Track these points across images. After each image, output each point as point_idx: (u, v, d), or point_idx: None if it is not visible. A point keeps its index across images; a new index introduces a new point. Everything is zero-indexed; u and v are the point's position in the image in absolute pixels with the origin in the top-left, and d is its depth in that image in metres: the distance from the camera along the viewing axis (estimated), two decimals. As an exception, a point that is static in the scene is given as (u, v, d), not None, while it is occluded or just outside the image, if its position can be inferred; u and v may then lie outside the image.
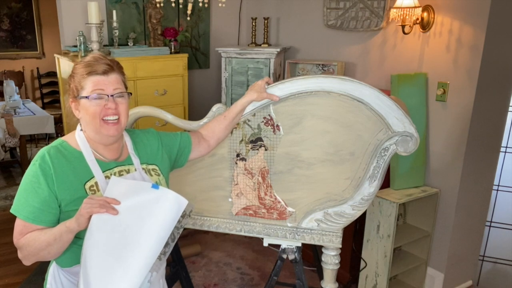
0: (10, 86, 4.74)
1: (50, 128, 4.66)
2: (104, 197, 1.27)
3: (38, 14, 6.37)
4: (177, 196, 1.29)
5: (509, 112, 2.85)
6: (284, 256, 2.02)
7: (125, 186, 1.31)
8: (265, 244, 2.03)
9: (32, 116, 4.61)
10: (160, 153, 1.58)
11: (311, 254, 2.46)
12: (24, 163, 4.68)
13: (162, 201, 1.28)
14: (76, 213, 1.26)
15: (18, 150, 4.84)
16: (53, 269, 1.46)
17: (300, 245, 2.00)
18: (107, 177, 1.39)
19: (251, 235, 2.01)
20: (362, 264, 2.74)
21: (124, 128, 1.46)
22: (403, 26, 2.66)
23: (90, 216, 1.24)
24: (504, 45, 2.55)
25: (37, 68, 6.45)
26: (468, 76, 2.52)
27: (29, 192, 1.33)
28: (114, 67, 1.39)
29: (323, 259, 2.03)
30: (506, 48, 2.57)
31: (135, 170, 1.47)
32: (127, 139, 1.52)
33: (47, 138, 5.99)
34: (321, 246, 2.02)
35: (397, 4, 2.57)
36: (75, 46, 3.24)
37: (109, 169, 1.41)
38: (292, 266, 2.06)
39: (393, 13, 2.61)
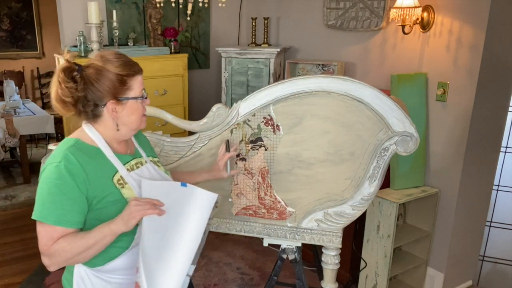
0: (10, 86, 4.74)
1: (50, 128, 4.66)
2: (149, 199, 1.30)
3: (38, 14, 6.37)
4: (206, 192, 1.33)
5: (509, 112, 2.85)
6: (284, 256, 2.02)
7: (158, 188, 1.36)
8: (265, 244, 2.03)
9: (32, 116, 4.61)
10: (154, 150, 1.66)
11: (311, 254, 2.46)
12: (24, 163, 4.68)
13: (194, 198, 1.33)
14: (115, 212, 1.29)
15: (18, 150, 4.84)
16: (79, 271, 1.41)
17: (300, 245, 2.00)
18: (128, 170, 1.42)
19: (251, 235, 2.01)
20: (362, 264, 2.74)
21: None
22: (403, 26, 2.66)
23: (140, 219, 1.28)
24: (504, 45, 2.55)
25: (37, 68, 6.45)
26: (468, 76, 2.52)
27: (55, 195, 1.27)
28: None
29: (323, 259, 2.03)
30: (506, 48, 2.57)
31: (146, 162, 1.51)
32: None
33: (47, 138, 5.98)
34: (321, 246, 2.02)
35: (397, 4, 2.57)
36: (75, 46, 3.24)
37: (127, 162, 1.44)
38: (292, 266, 2.06)
39: (393, 13, 2.61)
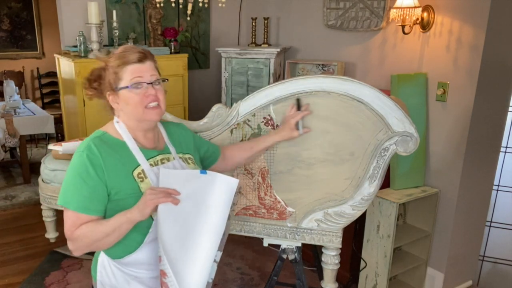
0: (10, 86, 4.74)
1: (50, 128, 4.66)
2: (164, 188, 1.31)
3: (38, 14, 6.37)
4: (226, 178, 1.34)
5: (509, 112, 2.85)
6: (284, 256, 2.02)
7: (177, 176, 1.36)
8: (265, 244, 2.03)
9: (32, 116, 4.61)
10: (192, 145, 1.63)
11: (311, 254, 2.46)
12: (24, 163, 4.68)
13: (215, 184, 1.34)
14: (131, 204, 1.31)
15: (18, 150, 4.84)
16: (102, 260, 1.48)
17: (300, 245, 2.00)
18: (151, 164, 1.42)
19: (251, 235, 2.01)
20: (362, 264, 2.74)
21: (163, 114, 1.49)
22: (403, 26, 2.66)
23: (155, 208, 1.29)
24: (504, 45, 2.55)
25: (37, 68, 6.45)
26: (468, 76, 2.52)
27: (77, 182, 1.34)
28: (147, 54, 1.42)
29: (323, 259, 2.03)
30: (506, 48, 2.57)
31: (174, 158, 1.50)
32: (161, 129, 1.56)
33: (47, 138, 5.98)
34: (321, 246, 2.02)
35: (397, 4, 2.57)
36: (75, 46, 3.24)
37: (152, 157, 1.45)
38: (292, 266, 2.06)
39: (393, 13, 2.61)
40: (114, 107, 1.44)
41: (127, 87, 1.38)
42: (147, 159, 1.42)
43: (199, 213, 1.33)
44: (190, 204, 1.33)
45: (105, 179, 1.34)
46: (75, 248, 1.37)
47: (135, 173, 1.38)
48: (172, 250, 1.33)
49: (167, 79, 1.48)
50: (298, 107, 1.76)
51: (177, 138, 1.59)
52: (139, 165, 1.40)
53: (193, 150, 1.63)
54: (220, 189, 1.33)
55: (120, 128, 1.44)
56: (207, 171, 1.36)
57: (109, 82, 1.41)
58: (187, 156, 1.57)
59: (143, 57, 1.40)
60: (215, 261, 1.35)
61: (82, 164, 1.34)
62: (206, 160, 1.73)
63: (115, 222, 1.32)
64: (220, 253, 1.37)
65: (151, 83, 1.40)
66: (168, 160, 1.48)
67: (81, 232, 1.33)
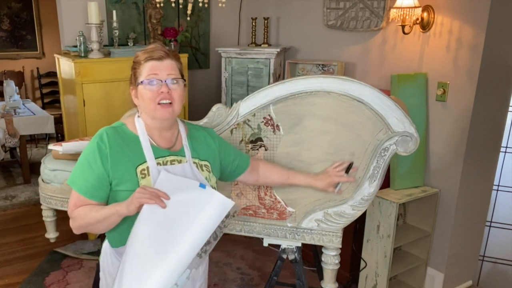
0: (10, 86, 4.74)
1: (50, 128, 4.66)
2: (156, 189, 1.31)
3: (38, 14, 6.37)
4: (223, 198, 1.32)
5: (509, 112, 2.85)
6: (284, 256, 2.02)
7: (174, 182, 1.35)
8: (265, 244, 2.03)
9: (32, 116, 4.61)
10: (214, 154, 1.61)
11: (311, 254, 2.46)
12: (24, 163, 4.68)
13: (208, 201, 1.32)
14: (127, 198, 1.32)
15: (18, 150, 4.84)
16: (105, 247, 1.55)
17: (300, 245, 2.00)
18: (159, 163, 1.42)
19: (251, 235, 2.01)
20: (362, 264, 2.74)
21: (178, 114, 1.48)
22: (403, 26, 2.66)
23: (140, 206, 1.30)
24: (504, 45, 2.55)
25: (37, 68, 6.45)
26: (468, 76, 2.52)
27: (84, 166, 1.40)
28: (170, 54, 1.44)
29: (323, 259, 2.03)
30: (506, 48, 2.57)
31: (186, 162, 1.49)
32: (182, 130, 1.55)
33: (47, 138, 5.98)
34: (321, 246, 2.02)
35: (397, 4, 2.57)
36: (75, 46, 3.24)
37: (162, 157, 1.45)
38: (292, 266, 2.06)
39: (393, 13, 2.61)
40: (135, 102, 1.48)
41: (142, 82, 1.41)
42: (156, 158, 1.43)
43: (186, 225, 1.30)
44: (179, 213, 1.30)
45: (108, 169, 1.37)
46: (73, 226, 1.43)
47: (139, 169, 1.40)
48: (150, 251, 1.29)
49: (185, 80, 1.48)
50: (347, 169, 1.75)
51: (199, 143, 1.57)
52: (145, 161, 1.41)
53: (214, 158, 1.60)
54: (212, 207, 1.31)
55: (138, 123, 1.46)
56: (207, 187, 1.35)
57: (132, 76, 1.46)
58: (203, 162, 1.54)
59: (164, 55, 1.42)
60: (187, 278, 1.32)
61: (92, 151, 1.39)
62: (233, 172, 1.71)
63: (106, 211, 1.35)
64: (193, 271, 1.34)
65: (165, 81, 1.40)
66: (180, 162, 1.47)
67: (78, 213, 1.39)
